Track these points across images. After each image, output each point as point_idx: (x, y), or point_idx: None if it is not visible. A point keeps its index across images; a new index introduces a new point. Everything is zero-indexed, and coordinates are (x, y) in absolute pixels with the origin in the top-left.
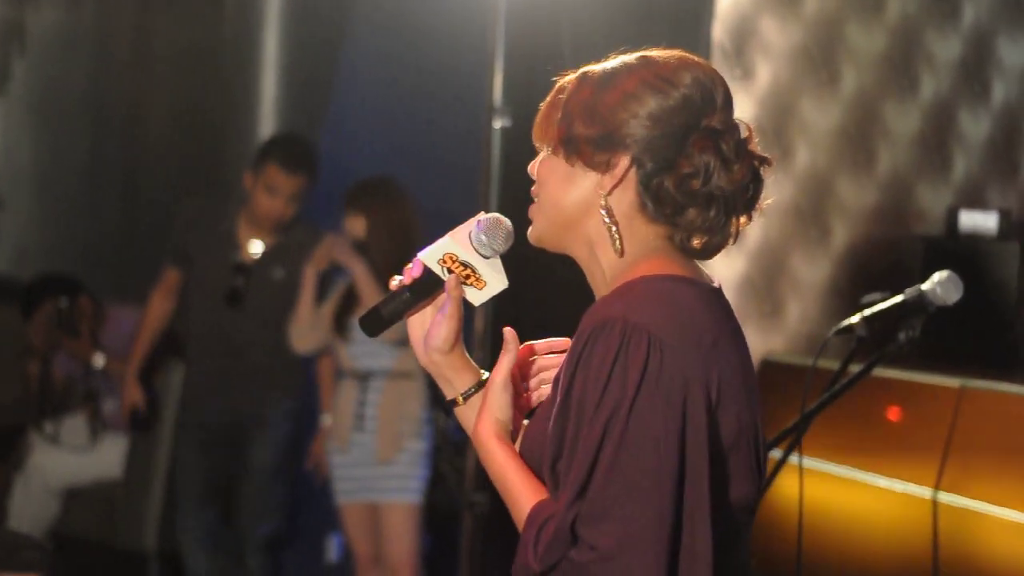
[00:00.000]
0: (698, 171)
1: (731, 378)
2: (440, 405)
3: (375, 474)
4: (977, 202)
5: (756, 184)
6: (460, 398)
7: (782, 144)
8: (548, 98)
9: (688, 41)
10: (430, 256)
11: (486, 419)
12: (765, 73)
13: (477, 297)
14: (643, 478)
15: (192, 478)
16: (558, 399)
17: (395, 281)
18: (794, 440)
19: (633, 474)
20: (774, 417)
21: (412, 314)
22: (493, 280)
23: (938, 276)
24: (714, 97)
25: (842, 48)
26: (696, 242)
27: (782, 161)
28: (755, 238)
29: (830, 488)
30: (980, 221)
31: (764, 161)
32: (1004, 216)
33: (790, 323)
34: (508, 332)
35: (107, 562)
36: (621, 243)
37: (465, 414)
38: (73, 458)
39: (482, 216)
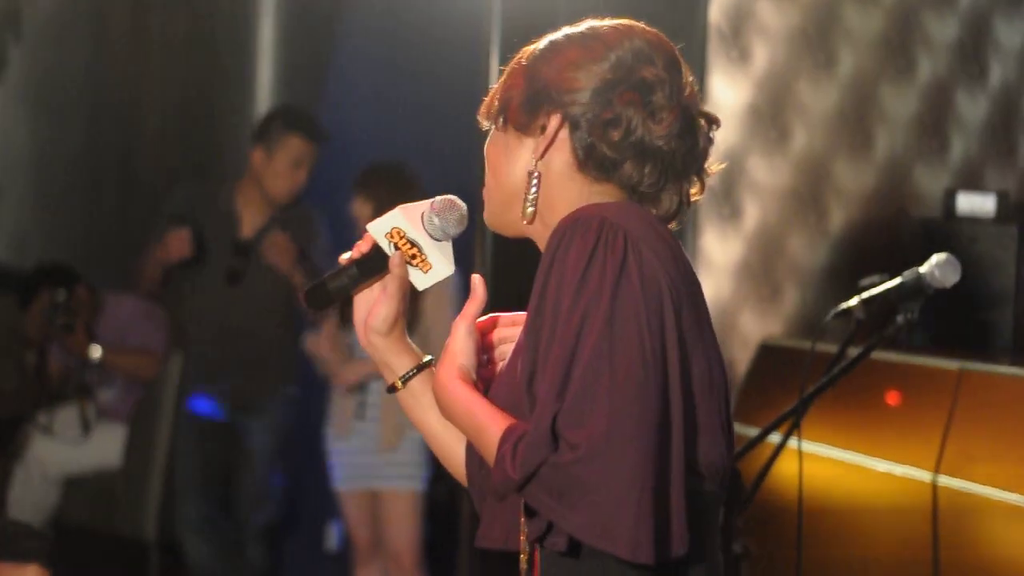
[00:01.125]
0: (619, 120)
1: (698, 315)
2: None
3: (377, 462)
4: (975, 184)
5: (695, 140)
6: (399, 382)
7: (779, 126)
8: (498, 79)
9: (685, 24)
10: (379, 228)
11: (448, 363)
12: (762, 56)
13: (422, 281)
14: (625, 372)
15: (191, 466)
16: (532, 307)
17: (345, 256)
18: (793, 424)
19: (615, 368)
20: (773, 401)
21: (359, 291)
22: (440, 264)
23: (936, 258)
24: (652, 58)
25: (839, 30)
26: (639, 193)
27: (779, 143)
28: (752, 221)
29: (829, 472)
30: (978, 203)
31: (711, 120)
32: (1002, 198)
33: (788, 307)
34: (476, 278)
35: (107, 551)
36: (535, 208)
37: (406, 400)
38: (69, 448)
39: (435, 199)
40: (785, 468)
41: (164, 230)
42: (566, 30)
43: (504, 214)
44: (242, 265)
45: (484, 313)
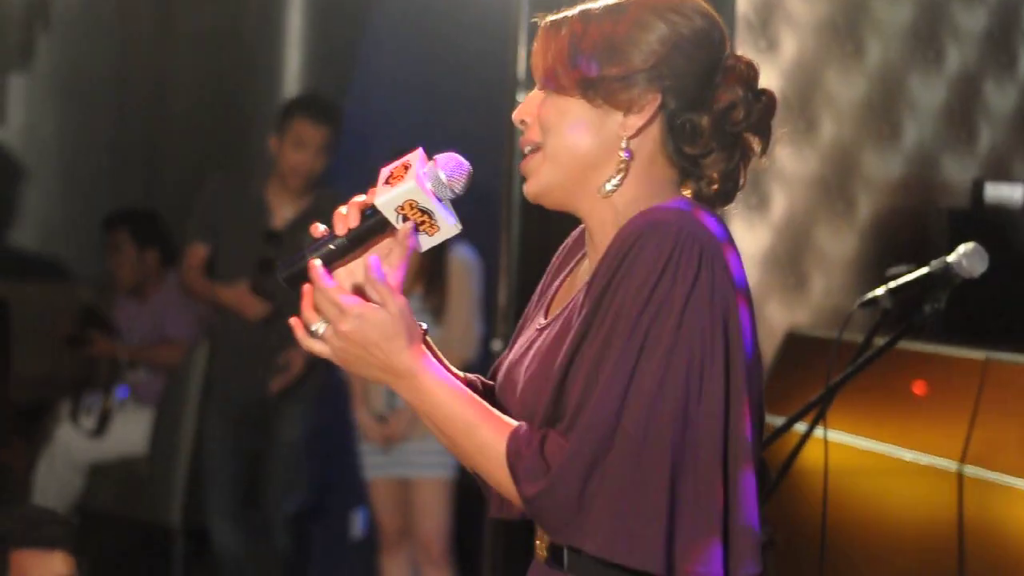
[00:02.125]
0: (737, 103)
1: (752, 317)
2: None
3: (409, 449)
4: (1003, 174)
5: (770, 126)
6: None
7: (807, 116)
8: (542, 38)
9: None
10: (389, 202)
11: (408, 341)
12: (790, 45)
13: (426, 243)
14: (674, 401)
15: (220, 454)
16: (591, 299)
17: (321, 228)
18: (819, 413)
19: (666, 397)
20: (799, 390)
21: (341, 263)
22: (446, 225)
23: (964, 248)
24: (724, 33)
25: (867, 20)
26: (710, 190)
27: (807, 133)
28: (780, 210)
29: (855, 461)
30: (1006, 193)
31: (773, 97)
32: None
33: (815, 296)
34: (404, 228)
35: (132, 538)
36: (623, 182)
37: None
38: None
39: (437, 156)
40: (811, 457)
41: (193, 233)
42: None
43: (566, 185)
44: (274, 256)
45: (515, 306)
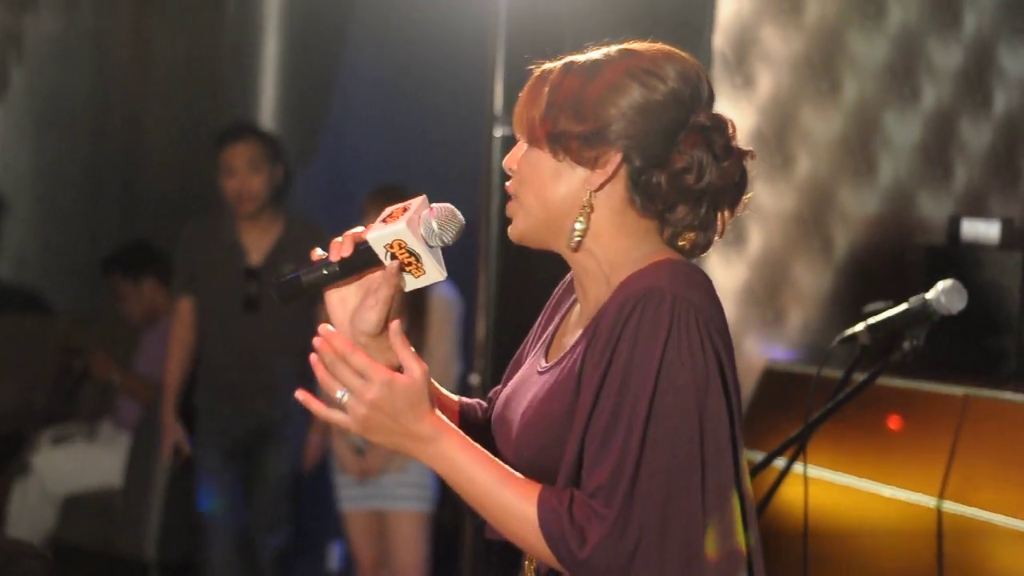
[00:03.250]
0: (691, 167)
1: (735, 374)
2: None
3: (385, 481)
4: (979, 211)
5: (743, 179)
6: None
7: (783, 152)
8: (528, 88)
9: (689, 50)
10: (379, 239)
11: (425, 411)
12: (766, 82)
13: (411, 284)
14: (685, 465)
15: (215, 490)
16: (596, 373)
17: (319, 252)
18: (798, 449)
19: (678, 463)
20: (777, 426)
21: (332, 288)
22: (433, 271)
23: (942, 285)
24: (700, 92)
25: (843, 57)
26: (684, 241)
27: (783, 169)
28: (757, 246)
29: (834, 497)
30: (982, 230)
31: (748, 155)
32: (1006, 225)
33: (792, 332)
34: (391, 267)
35: (106, 571)
36: (581, 241)
37: None
38: (69, 466)
39: (434, 204)
40: (790, 493)
41: (177, 288)
42: (605, 50)
43: (539, 232)
44: (255, 291)
45: (493, 341)
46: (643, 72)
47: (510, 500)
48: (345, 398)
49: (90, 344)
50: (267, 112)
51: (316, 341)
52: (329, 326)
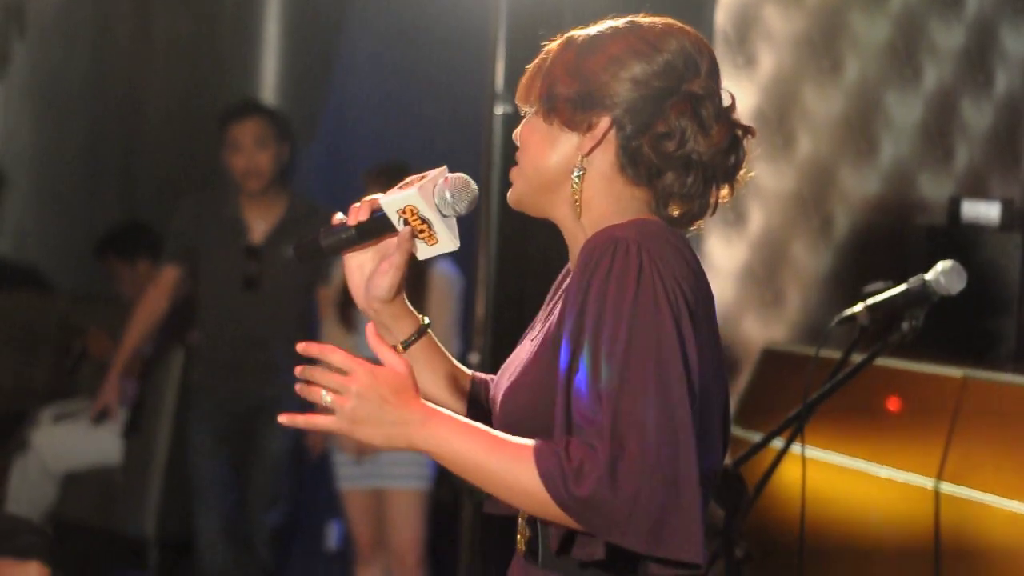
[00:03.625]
0: (673, 133)
1: (711, 328)
2: None
3: (383, 460)
4: (979, 192)
5: (737, 153)
6: (400, 346)
7: (784, 132)
8: (534, 62)
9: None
10: (392, 203)
11: (412, 395)
12: (768, 61)
13: (424, 252)
14: (666, 397)
15: (209, 467)
16: (570, 319)
17: (339, 216)
18: (796, 429)
19: (661, 395)
20: (776, 406)
21: (350, 251)
22: (445, 239)
23: (941, 265)
24: (698, 64)
25: (845, 36)
26: (674, 209)
27: (784, 149)
28: (756, 227)
29: (832, 478)
30: (982, 211)
31: (747, 131)
32: (1007, 206)
33: (791, 312)
34: (404, 232)
35: (106, 547)
36: (580, 206)
37: None
38: (69, 443)
39: (449, 174)
40: (788, 473)
41: (167, 255)
42: (610, 23)
43: (539, 198)
44: (256, 270)
45: (492, 319)
46: (642, 43)
47: (504, 462)
48: (329, 398)
49: (89, 323)
50: (267, 90)
51: (296, 368)
52: (399, 229)
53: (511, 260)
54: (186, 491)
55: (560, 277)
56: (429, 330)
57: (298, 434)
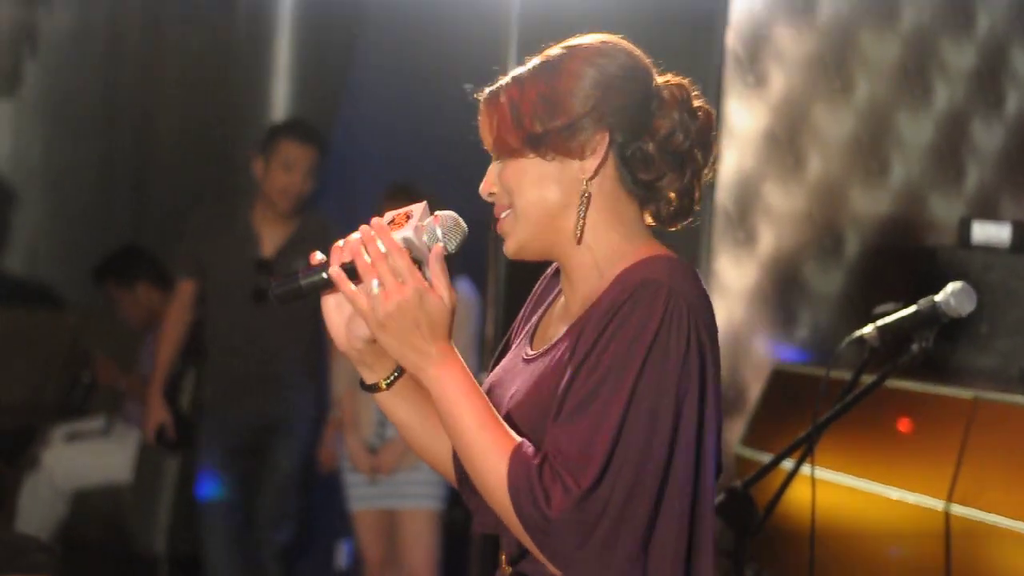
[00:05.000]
0: (676, 128)
1: (717, 376)
2: None
3: (398, 480)
4: (990, 213)
5: (711, 142)
6: (383, 383)
7: (795, 152)
8: (484, 112)
9: (702, 48)
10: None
11: (450, 345)
12: (778, 81)
13: None
14: (658, 451)
15: (217, 484)
16: (583, 352)
17: (318, 256)
18: (806, 450)
19: (651, 450)
20: (785, 427)
21: (330, 293)
22: None
23: (952, 287)
24: (646, 63)
25: (856, 57)
26: (667, 208)
27: (794, 170)
28: (767, 247)
29: (842, 499)
30: (993, 232)
31: (707, 112)
32: (1017, 228)
33: (801, 332)
34: (438, 249)
35: (116, 565)
36: (582, 233)
37: (386, 400)
38: (80, 461)
39: (438, 212)
40: (798, 494)
41: (180, 270)
42: (549, 52)
43: (540, 238)
44: (266, 284)
45: (505, 333)
46: (594, 54)
47: (486, 445)
48: (376, 290)
49: (100, 340)
50: (279, 108)
51: (365, 229)
52: (383, 220)
53: (520, 281)
54: (196, 510)
55: (542, 285)
56: None
57: (308, 452)
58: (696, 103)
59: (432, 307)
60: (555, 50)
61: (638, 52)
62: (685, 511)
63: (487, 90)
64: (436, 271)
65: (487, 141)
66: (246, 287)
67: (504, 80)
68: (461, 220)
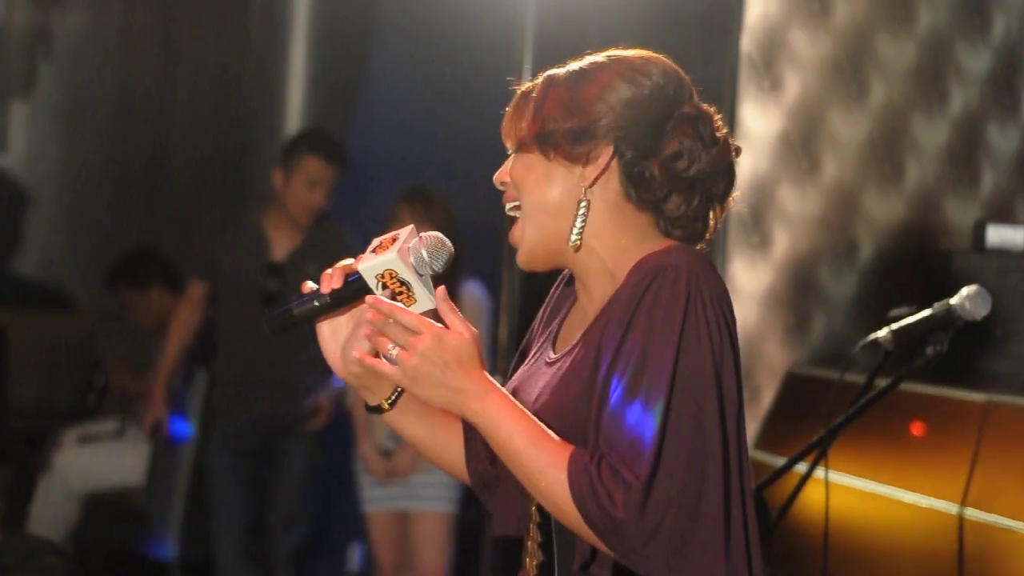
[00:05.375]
0: (682, 153)
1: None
2: None
3: (412, 482)
4: (1005, 217)
5: (732, 173)
6: (385, 403)
7: (810, 156)
8: (513, 104)
9: (717, 52)
10: (371, 269)
11: (485, 374)
12: (794, 85)
13: None
14: (709, 431)
15: (227, 486)
16: (611, 347)
17: (310, 284)
18: (820, 454)
19: (703, 430)
20: (799, 430)
21: (324, 319)
22: (424, 299)
23: (967, 291)
24: (683, 88)
25: (871, 60)
26: (677, 232)
27: (810, 173)
28: (782, 250)
29: (856, 503)
30: (1008, 236)
31: (738, 150)
32: None
33: (816, 336)
34: (442, 290)
35: (128, 569)
36: (580, 240)
37: (392, 417)
38: (93, 464)
39: (422, 233)
40: (811, 497)
41: (191, 271)
42: (591, 58)
43: (547, 243)
44: (276, 288)
45: (519, 337)
46: (629, 70)
47: (541, 462)
48: (395, 352)
49: (112, 348)
50: (294, 113)
51: (365, 311)
52: (377, 295)
53: (534, 288)
54: (207, 512)
55: (557, 290)
56: None
57: (318, 453)
58: (718, 133)
59: (454, 344)
60: (598, 57)
61: (678, 73)
62: (748, 489)
63: (523, 87)
64: (445, 310)
65: (507, 132)
66: (255, 290)
67: (541, 77)
68: (447, 240)
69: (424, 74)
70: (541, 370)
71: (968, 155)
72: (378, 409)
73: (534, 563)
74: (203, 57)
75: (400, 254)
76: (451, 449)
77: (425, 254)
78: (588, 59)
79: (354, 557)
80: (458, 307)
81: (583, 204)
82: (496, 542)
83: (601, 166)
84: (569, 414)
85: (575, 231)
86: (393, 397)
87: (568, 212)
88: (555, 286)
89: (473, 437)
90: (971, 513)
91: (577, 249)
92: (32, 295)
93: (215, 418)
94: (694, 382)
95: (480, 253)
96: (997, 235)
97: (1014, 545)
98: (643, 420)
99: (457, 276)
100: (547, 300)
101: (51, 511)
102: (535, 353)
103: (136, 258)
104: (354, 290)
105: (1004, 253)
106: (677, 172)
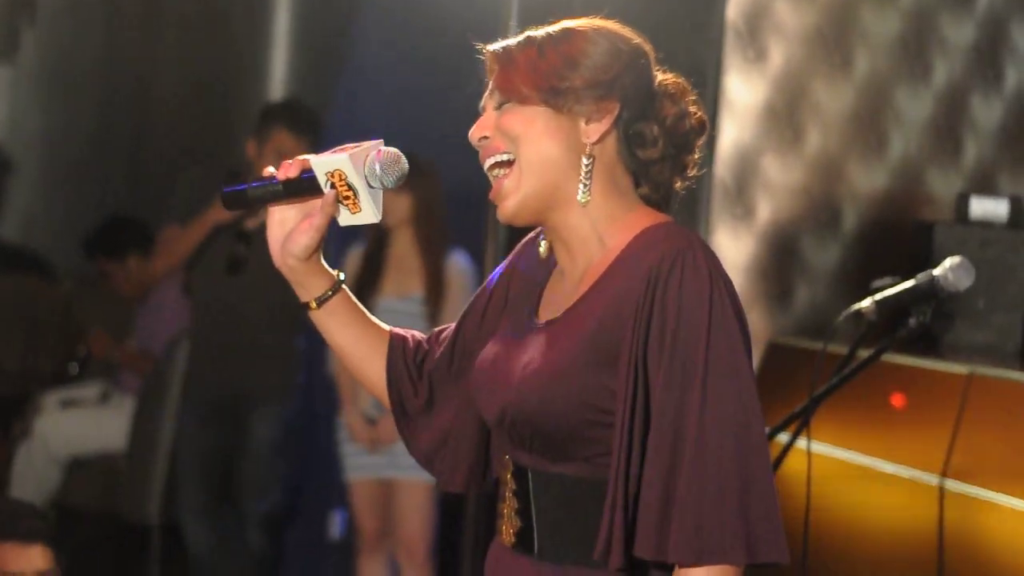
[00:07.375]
0: (683, 115)
1: None
2: None
3: (396, 450)
4: (988, 189)
5: (698, 142)
6: (313, 302)
7: (793, 126)
8: (498, 59)
9: (702, 22)
10: (321, 165)
11: None
12: (778, 55)
13: (346, 219)
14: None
15: (194, 452)
16: (634, 334)
17: (269, 169)
18: (802, 424)
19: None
20: (782, 400)
21: (275, 205)
22: (369, 210)
23: (950, 262)
24: (651, 56)
25: (855, 31)
26: (655, 196)
27: (793, 143)
28: (764, 220)
29: (837, 473)
30: (991, 208)
31: (703, 118)
32: (1015, 203)
33: (799, 306)
34: (329, 195)
35: (110, 533)
36: (589, 191)
37: (320, 318)
38: (74, 428)
39: (384, 147)
40: (793, 468)
41: (170, 218)
42: (557, 25)
43: (538, 196)
44: (243, 254)
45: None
46: (605, 30)
47: None
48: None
49: (93, 315)
50: (277, 78)
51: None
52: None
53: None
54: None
55: (519, 256)
56: (344, 286)
57: (291, 421)
58: (692, 106)
59: None
60: (562, 23)
61: (642, 40)
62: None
63: (495, 46)
64: (316, 224)
65: (500, 82)
66: (224, 254)
67: (514, 39)
68: (403, 158)
69: (408, 44)
70: (527, 337)
71: (951, 127)
72: (306, 307)
73: (511, 530)
74: (186, 23)
75: (352, 158)
76: (374, 363)
77: (378, 167)
78: (576, 22)
79: (335, 524)
80: (446, 277)
81: (588, 159)
82: (478, 511)
83: (607, 123)
84: (570, 376)
85: (582, 189)
86: (325, 296)
87: (566, 167)
88: (514, 253)
89: (396, 357)
90: (952, 484)
91: (585, 204)
92: (13, 259)
93: (185, 384)
94: (730, 362)
95: (464, 223)
96: (980, 207)
97: (994, 516)
98: (687, 419)
99: (443, 246)
100: (507, 267)
101: (33, 475)
102: (508, 322)
103: (112, 227)
104: (306, 184)
105: (987, 225)
106: (681, 133)
